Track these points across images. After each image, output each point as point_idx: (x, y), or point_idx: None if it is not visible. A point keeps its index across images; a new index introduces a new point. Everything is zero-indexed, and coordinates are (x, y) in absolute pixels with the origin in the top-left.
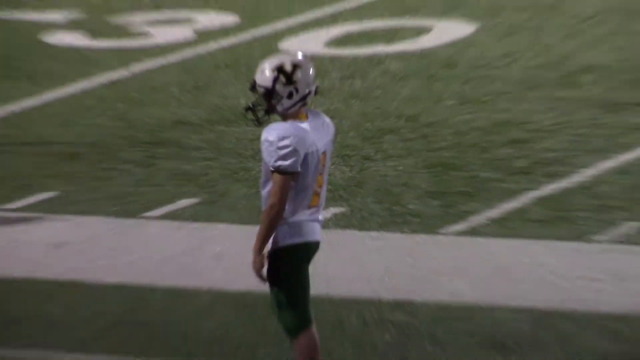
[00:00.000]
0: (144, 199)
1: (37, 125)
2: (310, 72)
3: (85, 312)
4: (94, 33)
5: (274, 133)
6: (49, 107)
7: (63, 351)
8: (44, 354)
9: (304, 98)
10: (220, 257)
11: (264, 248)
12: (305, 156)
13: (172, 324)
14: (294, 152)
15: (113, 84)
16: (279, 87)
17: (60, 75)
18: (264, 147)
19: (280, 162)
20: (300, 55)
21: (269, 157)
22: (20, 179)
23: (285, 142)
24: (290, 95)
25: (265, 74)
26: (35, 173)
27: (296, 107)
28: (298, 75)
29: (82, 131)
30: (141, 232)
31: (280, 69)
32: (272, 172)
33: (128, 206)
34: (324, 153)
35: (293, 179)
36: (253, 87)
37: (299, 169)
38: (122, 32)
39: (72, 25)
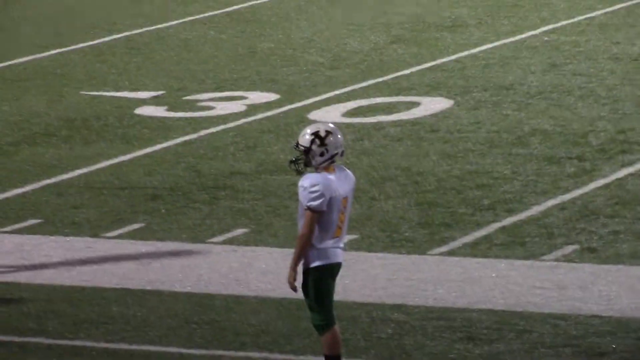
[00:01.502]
0: (208, 228)
1: (128, 174)
2: (339, 138)
3: (162, 314)
4: (172, 107)
5: (307, 181)
6: (137, 160)
7: (146, 344)
8: (131, 347)
9: (332, 157)
10: (265, 272)
11: (296, 265)
12: (330, 199)
13: (228, 322)
14: (322, 195)
15: (186, 144)
16: (314, 147)
17: (146, 137)
18: (300, 191)
19: (311, 203)
20: (332, 125)
21: (303, 199)
22: (115, 214)
23: (316, 188)
24: (322, 154)
25: (305, 137)
26: (127, 209)
27: (326, 163)
28: (330, 139)
29: (162, 178)
30: (207, 253)
31: (316, 134)
32: (305, 209)
33: (197, 234)
34: (346, 197)
35: (320, 216)
36: (296, 145)
37: (325, 209)
38: (192, 106)
39: (155, 101)
